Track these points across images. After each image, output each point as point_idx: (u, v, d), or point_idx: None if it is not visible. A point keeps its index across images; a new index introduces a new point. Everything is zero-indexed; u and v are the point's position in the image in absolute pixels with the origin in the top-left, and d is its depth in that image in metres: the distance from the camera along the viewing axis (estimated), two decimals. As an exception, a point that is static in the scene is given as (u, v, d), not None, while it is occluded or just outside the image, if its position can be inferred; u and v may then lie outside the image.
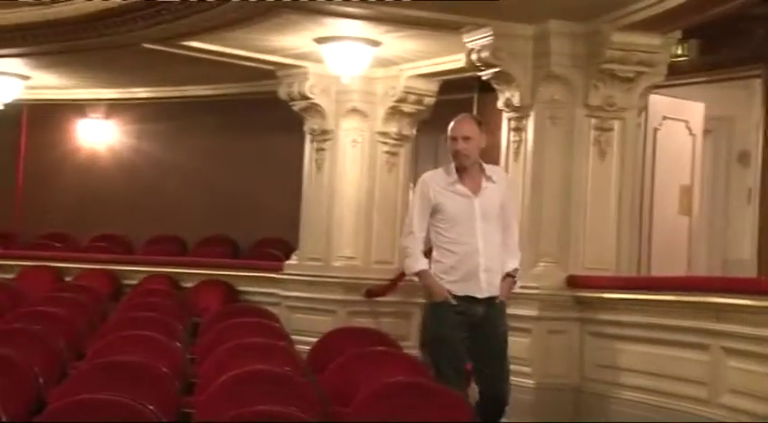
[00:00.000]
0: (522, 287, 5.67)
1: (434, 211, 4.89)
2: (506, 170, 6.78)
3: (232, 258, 10.71)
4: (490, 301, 4.90)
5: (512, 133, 6.74)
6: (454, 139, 4.89)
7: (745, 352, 4.89)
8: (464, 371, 4.94)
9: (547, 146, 6.55)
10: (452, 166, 4.91)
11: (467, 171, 4.89)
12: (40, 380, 4.62)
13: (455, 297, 4.86)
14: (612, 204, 6.55)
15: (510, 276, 4.96)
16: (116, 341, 5.47)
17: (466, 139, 4.87)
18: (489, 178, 4.90)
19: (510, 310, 5.17)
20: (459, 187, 4.88)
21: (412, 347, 8.25)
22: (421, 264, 4.91)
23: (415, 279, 5.13)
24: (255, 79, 9.49)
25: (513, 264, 4.97)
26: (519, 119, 6.63)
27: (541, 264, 6.46)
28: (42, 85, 10.70)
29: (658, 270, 7.42)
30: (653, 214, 7.57)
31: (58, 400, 4.08)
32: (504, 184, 5.01)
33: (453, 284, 4.87)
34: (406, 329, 8.53)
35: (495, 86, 6.83)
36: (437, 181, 4.93)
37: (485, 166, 4.94)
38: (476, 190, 4.87)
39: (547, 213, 6.53)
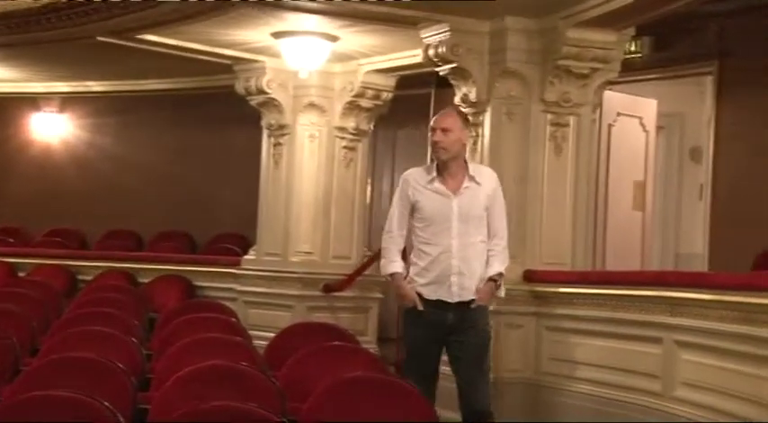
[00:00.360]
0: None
1: (413, 210, 4.72)
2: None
3: (189, 254, 10.65)
4: (463, 306, 4.67)
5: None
6: (433, 130, 4.71)
7: (698, 345, 4.96)
8: (432, 383, 4.76)
9: (503, 141, 6.59)
10: (434, 164, 4.75)
11: (448, 169, 4.70)
12: (-7, 377, 4.57)
13: (426, 302, 4.68)
14: (568, 200, 6.60)
15: (492, 281, 4.72)
16: (70, 337, 5.43)
17: (444, 131, 4.67)
18: (473, 178, 4.70)
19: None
20: (438, 185, 4.70)
21: (370, 342, 8.30)
22: (394, 266, 4.72)
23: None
24: (212, 73, 9.44)
25: (496, 268, 4.73)
26: (475, 114, 6.66)
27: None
28: (-5, 78, 10.57)
29: (613, 265, 7.50)
30: (607, 209, 7.65)
31: (10, 396, 4.04)
32: (490, 186, 4.75)
33: (425, 287, 4.69)
34: (363, 324, 8.56)
35: (452, 82, 6.86)
36: (417, 178, 4.75)
37: (471, 165, 4.80)
38: (456, 189, 4.68)
39: (503, 208, 6.57)
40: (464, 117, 4.90)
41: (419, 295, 4.69)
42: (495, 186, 4.79)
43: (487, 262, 4.73)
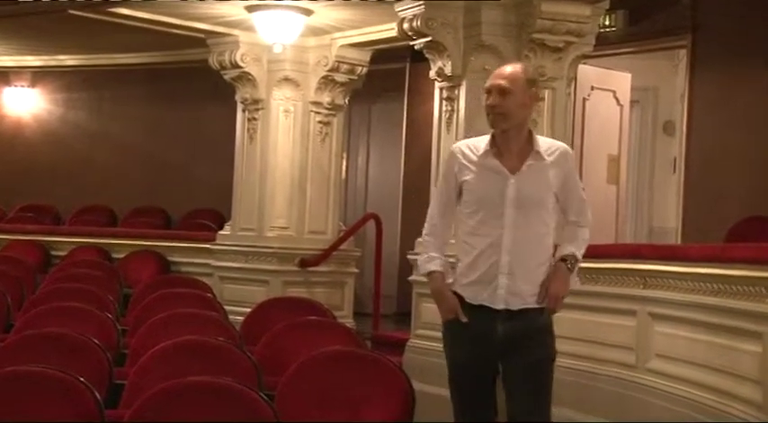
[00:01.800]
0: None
1: (460, 192, 3.72)
2: (438, 141, 6.81)
3: (164, 229, 10.60)
4: (515, 315, 3.62)
5: (444, 103, 6.76)
6: (488, 92, 3.69)
7: (672, 317, 5.01)
8: (487, 416, 3.72)
9: (479, 116, 6.50)
10: (491, 135, 3.73)
11: (507, 141, 3.68)
12: (-33, 353, 4.54)
13: (469, 308, 3.64)
14: (542, 173, 6.61)
15: (563, 262, 3.71)
16: (45, 313, 5.41)
17: (502, 92, 3.64)
18: (538, 154, 3.68)
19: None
20: (492, 161, 3.67)
21: (346, 317, 8.32)
22: (432, 264, 3.71)
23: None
24: (186, 47, 9.38)
25: (570, 248, 3.72)
26: (451, 88, 6.65)
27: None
28: (-36, 52, 10.44)
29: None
30: (583, 183, 7.68)
31: (-15, 373, 4.02)
32: (561, 164, 3.70)
33: (467, 289, 3.65)
34: (339, 299, 8.57)
35: (428, 56, 6.83)
36: (466, 152, 3.72)
37: (538, 138, 3.75)
38: (515, 167, 3.66)
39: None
40: (528, 74, 3.77)
41: (461, 300, 3.66)
42: (568, 165, 3.75)
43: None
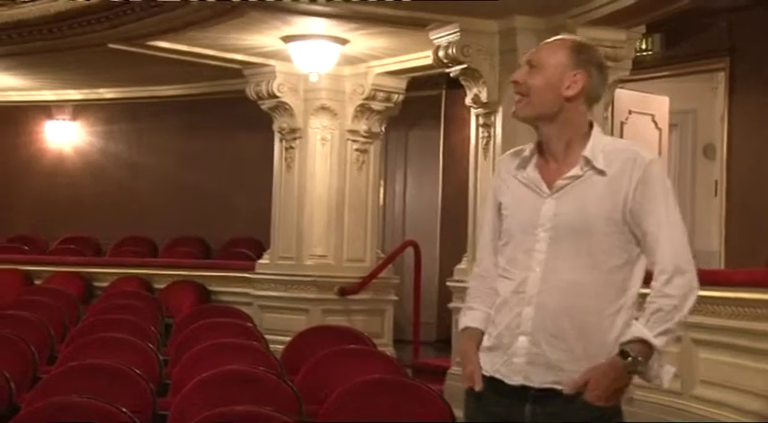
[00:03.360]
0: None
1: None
2: (476, 167, 6.80)
3: (203, 258, 10.68)
4: (551, 398, 2.51)
5: (480, 129, 6.77)
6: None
7: (716, 343, 4.95)
8: None
9: (516, 141, 6.52)
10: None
11: (550, 141, 2.61)
12: (12, 385, 4.60)
13: (488, 382, 2.62)
14: (582, 199, 6.57)
15: (625, 356, 2.47)
16: (88, 344, 5.45)
17: (530, 66, 2.61)
18: (589, 162, 2.55)
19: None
20: (532, 173, 2.62)
21: (386, 345, 8.29)
22: (466, 317, 2.74)
23: None
24: (223, 78, 9.47)
25: (639, 330, 2.48)
26: (487, 115, 6.66)
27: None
28: (7, 86, 10.62)
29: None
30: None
31: (30, 404, 4.06)
32: (634, 178, 2.53)
33: (485, 355, 2.65)
34: (379, 327, 8.55)
35: (463, 83, 6.86)
36: (509, 163, 2.71)
37: (599, 137, 2.61)
38: (554, 180, 2.59)
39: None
40: (579, 47, 2.63)
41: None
42: (642, 178, 2.52)
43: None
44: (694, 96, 9.07)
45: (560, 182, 2.58)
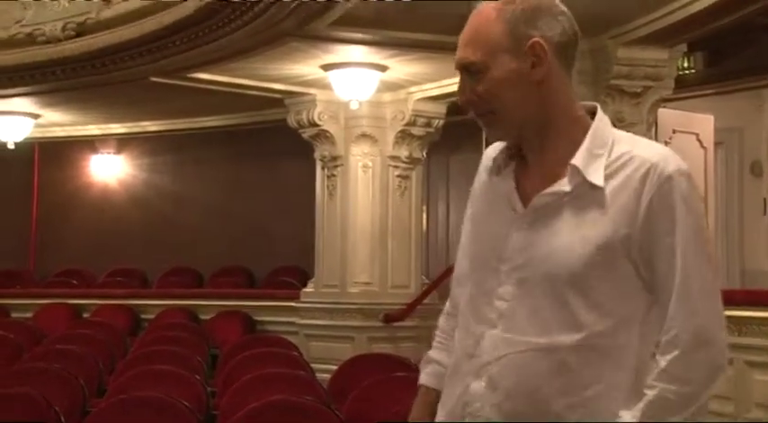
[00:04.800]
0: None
1: None
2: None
3: (248, 288, 10.71)
4: None
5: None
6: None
7: (770, 364, 4.85)
8: None
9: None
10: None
11: (531, 143, 1.87)
12: (62, 418, 4.62)
13: None
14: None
15: None
16: (136, 376, 5.47)
17: (469, 70, 1.82)
18: (579, 174, 1.78)
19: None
20: (507, 181, 1.89)
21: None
22: (423, 373, 2.13)
23: None
24: (264, 108, 9.54)
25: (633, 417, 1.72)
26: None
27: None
28: (53, 122, 10.77)
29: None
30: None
31: (80, 439, 4.08)
32: (642, 194, 1.75)
33: None
34: (424, 353, 8.47)
35: (504, 106, 6.82)
36: (494, 153, 1.94)
37: (601, 131, 1.84)
38: (532, 194, 1.84)
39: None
40: (513, 12, 1.80)
41: None
42: (655, 194, 1.75)
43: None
44: (739, 114, 8.97)
45: (539, 199, 1.79)
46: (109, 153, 12.24)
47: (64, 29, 8.08)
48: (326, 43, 7.06)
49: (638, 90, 6.44)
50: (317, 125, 8.57)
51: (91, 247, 12.01)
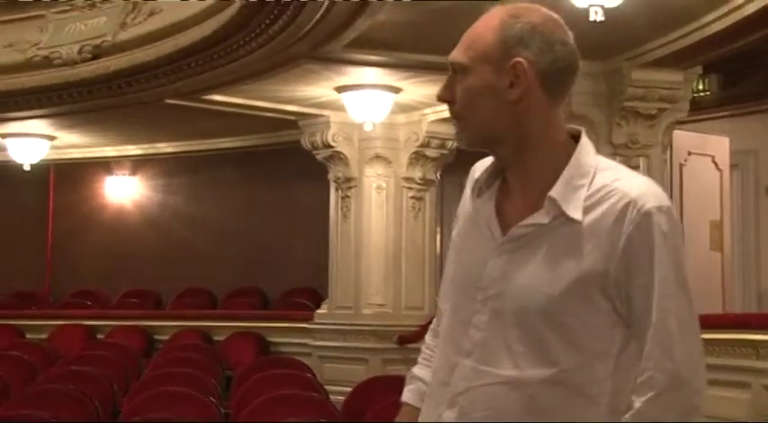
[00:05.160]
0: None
1: None
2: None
3: (262, 309, 10.70)
4: None
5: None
6: None
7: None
8: None
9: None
10: None
11: (509, 167, 1.85)
12: (77, 441, 4.62)
13: None
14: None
15: None
16: (150, 398, 5.47)
17: (459, 74, 1.82)
18: (554, 203, 1.74)
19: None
20: (488, 205, 1.86)
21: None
22: (406, 389, 2.06)
23: None
24: (278, 129, 9.57)
25: None
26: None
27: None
28: (69, 144, 10.83)
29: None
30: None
31: (94, 461, 4.07)
32: (621, 229, 1.71)
33: None
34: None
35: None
36: (480, 172, 1.92)
37: (584, 160, 1.78)
38: (511, 220, 1.81)
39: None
40: (517, 18, 1.78)
41: None
42: (632, 230, 1.71)
43: None
44: (755, 136, 8.94)
45: (516, 231, 1.77)
46: (124, 174, 12.28)
47: (80, 51, 8.14)
48: (340, 65, 7.08)
49: (653, 112, 6.45)
50: (331, 147, 8.59)
51: (105, 268, 12.04)
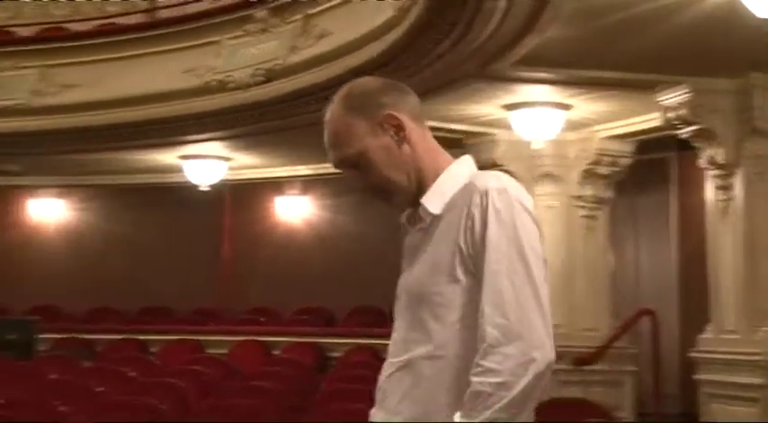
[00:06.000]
0: (741, 353, 5.34)
1: None
2: (714, 231, 6.49)
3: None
4: None
5: (717, 192, 6.48)
6: None
7: None
8: None
9: (757, 204, 6.26)
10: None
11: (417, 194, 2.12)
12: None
13: None
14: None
15: None
16: (328, 415, 5.54)
17: (347, 166, 2.12)
18: (423, 206, 2.08)
19: (731, 378, 4.86)
20: (411, 238, 2.16)
21: (627, 419, 7.93)
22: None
23: None
24: (444, 148, 9.55)
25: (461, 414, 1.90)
26: (724, 176, 6.38)
27: (764, 328, 6.05)
28: (243, 165, 11.16)
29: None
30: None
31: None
32: (466, 211, 2.00)
33: None
34: (617, 399, 8.19)
35: (695, 144, 6.61)
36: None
37: (455, 171, 2.13)
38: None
39: (763, 273, 6.19)
40: (354, 99, 2.13)
41: None
42: (471, 208, 1.99)
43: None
44: None
45: (412, 238, 2.10)
46: (294, 194, 12.56)
47: (253, 75, 8.38)
48: (509, 83, 7.03)
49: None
50: (499, 165, 8.51)
51: (276, 285, 12.32)
